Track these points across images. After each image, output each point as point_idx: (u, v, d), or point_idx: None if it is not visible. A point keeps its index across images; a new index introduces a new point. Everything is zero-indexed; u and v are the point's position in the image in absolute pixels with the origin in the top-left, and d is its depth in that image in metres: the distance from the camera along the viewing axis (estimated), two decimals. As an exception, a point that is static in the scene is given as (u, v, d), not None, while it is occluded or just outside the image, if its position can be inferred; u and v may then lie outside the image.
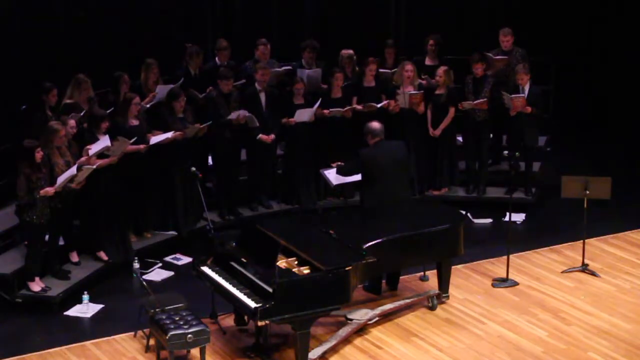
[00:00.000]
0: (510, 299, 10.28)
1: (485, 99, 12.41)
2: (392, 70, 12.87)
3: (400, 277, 10.55)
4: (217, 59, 12.75)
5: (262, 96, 12.20)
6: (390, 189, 10.00)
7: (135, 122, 11.15)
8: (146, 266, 11.09)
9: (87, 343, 9.44)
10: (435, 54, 13.10)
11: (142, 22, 13.70)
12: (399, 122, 12.52)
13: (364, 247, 9.05)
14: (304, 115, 12.14)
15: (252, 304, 8.47)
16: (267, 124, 12.14)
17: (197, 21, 14.39)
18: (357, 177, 10.69)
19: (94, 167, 10.33)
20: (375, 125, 10.23)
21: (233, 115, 11.82)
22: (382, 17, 15.39)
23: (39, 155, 9.80)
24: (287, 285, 8.46)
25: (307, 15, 15.10)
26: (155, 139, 11.21)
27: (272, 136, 12.18)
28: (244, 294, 8.66)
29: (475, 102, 12.41)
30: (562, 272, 10.91)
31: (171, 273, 11.08)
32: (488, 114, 12.57)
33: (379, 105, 12.44)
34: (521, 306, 10.10)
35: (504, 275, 10.64)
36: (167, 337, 8.47)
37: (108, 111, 11.16)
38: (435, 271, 10.23)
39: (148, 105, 11.64)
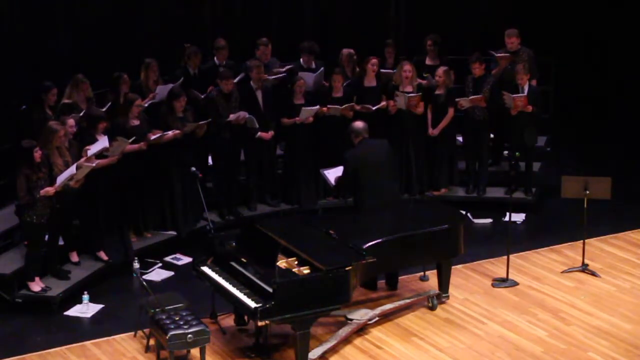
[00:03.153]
0: (510, 299, 10.28)
1: (481, 96, 12.39)
2: (393, 71, 12.86)
3: (400, 277, 10.55)
4: (215, 58, 12.75)
5: (259, 94, 12.20)
6: (377, 186, 9.98)
7: (136, 122, 11.15)
8: (146, 266, 11.09)
9: (87, 343, 9.44)
10: (434, 53, 13.11)
11: (142, 22, 13.70)
12: (398, 122, 12.53)
13: (364, 247, 9.05)
14: (308, 113, 12.13)
15: (252, 304, 8.47)
16: (265, 121, 12.14)
17: (196, 21, 14.39)
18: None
19: (94, 165, 10.32)
20: (359, 124, 10.28)
21: (232, 117, 11.81)
22: (382, 17, 15.39)
23: (37, 154, 9.80)
24: (287, 285, 8.46)
25: (307, 15, 15.10)
26: (154, 137, 11.20)
27: (271, 133, 12.18)
28: (244, 294, 8.66)
29: (471, 97, 12.40)
30: (562, 272, 10.91)
31: (171, 273, 11.08)
32: (487, 113, 12.57)
33: (374, 108, 12.43)
34: (521, 306, 10.10)
35: (504, 275, 10.64)
36: (167, 337, 8.47)
37: (104, 109, 11.17)
38: (435, 271, 10.23)
39: (146, 105, 11.63)
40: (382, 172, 10.11)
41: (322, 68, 12.81)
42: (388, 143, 10.50)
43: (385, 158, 10.21)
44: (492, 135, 13.03)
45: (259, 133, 12.06)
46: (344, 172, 10.18)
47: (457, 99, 12.46)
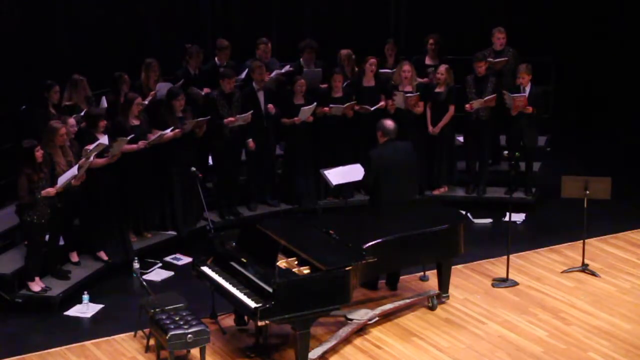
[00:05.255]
0: (510, 299, 10.28)
1: (493, 95, 12.36)
2: (393, 70, 12.86)
3: (400, 277, 10.55)
4: (216, 59, 12.75)
5: (260, 95, 12.20)
6: (397, 188, 10.00)
7: (136, 122, 11.15)
8: (146, 266, 11.09)
9: (87, 343, 9.44)
10: (435, 53, 13.11)
11: (142, 22, 13.70)
12: (398, 121, 12.48)
13: (364, 247, 9.05)
14: (307, 113, 12.13)
15: (252, 304, 8.47)
16: (266, 122, 12.13)
17: (197, 21, 14.39)
18: (358, 177, 10.69)
19: (91, 159, 10.29)
20: (389, 124, 10.27)
21: (227, 121, 11.78)
22: (382, 17, 15.39)
23: (38, 154, 9.80)
24: (287, 285, 8.46)
25: (307, 15, 15.10)
26: (154, 138, 11.20)
27: (275, 135, 12.11)
28: (244, 294, 8.66)
29: (485, 99, 12.36)
30: (562, 272, 10.91)
31: (171, 273, 11.08)
32: (491, 113, 12.55)
33: (372, 109, 12.42)
34: (521, 306, 10.10)
35: (504, 275, 10.64)
36: (167, 337, 8.48)
37: (101, 107, 11.17)
38: (435, 271, 10.23)
39: (146, 102, 11.62)
40: (403, 174, 10.10)
41: (318, 69, 12.77)
42: (412, 145, 10.51)
43: (407, 161, 10.21)
44: (502, 136, 13.05)
45: (249, 140, 12.04)
46: (368, 171, 10.17)
47: (470, 102, 12.41)
